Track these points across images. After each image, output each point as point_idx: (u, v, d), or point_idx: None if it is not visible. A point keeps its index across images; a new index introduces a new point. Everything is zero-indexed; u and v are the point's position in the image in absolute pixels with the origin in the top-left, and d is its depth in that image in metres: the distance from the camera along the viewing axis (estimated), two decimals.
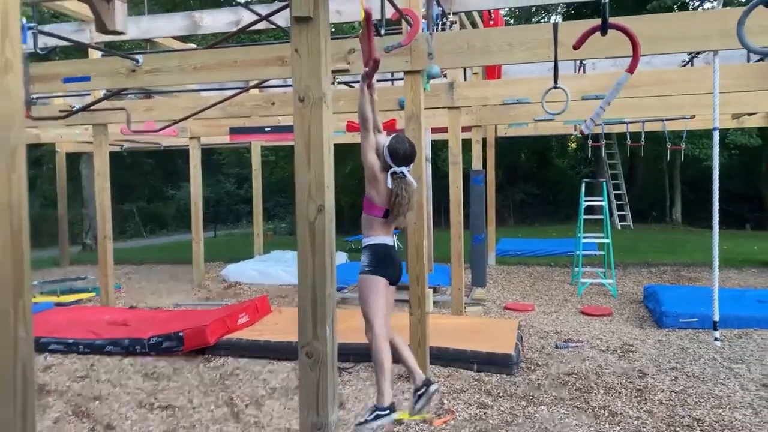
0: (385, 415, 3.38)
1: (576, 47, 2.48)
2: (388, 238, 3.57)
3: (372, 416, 3.38)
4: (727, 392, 4.50)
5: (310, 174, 2.64)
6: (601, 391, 4.56)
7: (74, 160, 17.20)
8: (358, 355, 5.29)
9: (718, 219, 3.79)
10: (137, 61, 5.02)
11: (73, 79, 5.17)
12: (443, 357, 5.07)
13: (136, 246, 18.83)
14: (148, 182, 26.85)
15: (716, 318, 4.05)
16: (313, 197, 2.62)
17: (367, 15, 2.96)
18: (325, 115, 2.61)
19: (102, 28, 2.66)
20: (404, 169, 3.51)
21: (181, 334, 5.52)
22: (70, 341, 5.73)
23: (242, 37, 12.99)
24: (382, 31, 3.75)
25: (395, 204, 3.45)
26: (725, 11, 4.14)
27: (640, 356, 5.44)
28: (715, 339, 4.07)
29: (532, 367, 5.14)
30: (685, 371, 5.00)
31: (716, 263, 3.84)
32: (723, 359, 5.29)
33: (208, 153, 23.41)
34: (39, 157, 22.36)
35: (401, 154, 3.48)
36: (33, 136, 9.88)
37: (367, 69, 3.26)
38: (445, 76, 6.78)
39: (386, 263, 3.50)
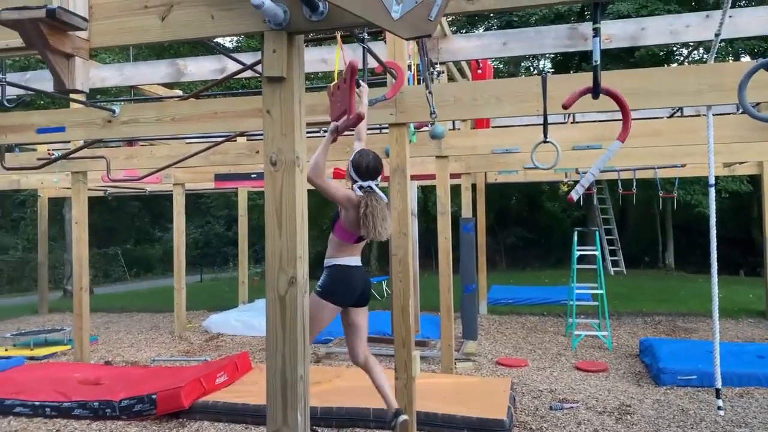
0: None
1: (565, 107, 2.32)
2: (353, 259, 3.62)
3: None
4: None
5: (281, 242, 2.43)
6: None
7: (59, 203, 16.94)
8: (342, 419, 5.01)
9: (717, 291, 3.59)
10: (114, 111, 4.85)
11: (47, 130, 4.98)
12: (432, 423, 4.78)
13: (120, 290, 18.47)
14: (134, 225, 26.58)
15: (719, 385, 3.81)
16: (284, 268, 2.41)
17: (352, 68, 2.79)
18: (298, 179, 2.42)
19: (60, 86, 2.48)
20: (371, 183, 3.50)
21: (154, 396, 5.21)
22: (37, 404, 5.40)
23: (230, 83, 12.97)
24: (362, 83, 3.61)
25: (365, 217, 3.42)
26: (718, 66, 4.03)
27: (638, 419, 5.18)
28: (718, 408, 3.83)
29: None
30: None
31: (717, 331, 3.63)
32: (726, 422, 5.04)
33: (196, 196, 23.27)
34: (23, 199, 22.09)
35: (364, 167, 3.51)
36: (13, 181, 9.68)
37: (337, 123, 3.11)
38: (432, 125, 6.66)
39: (342, 287, 3.56)
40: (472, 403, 5.03)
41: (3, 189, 10.51)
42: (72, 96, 5.74)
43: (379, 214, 3.45)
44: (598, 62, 2.06)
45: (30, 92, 6.22)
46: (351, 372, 6.31)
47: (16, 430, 5.10)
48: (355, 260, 3.66)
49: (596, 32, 2.09)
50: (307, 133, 2.78)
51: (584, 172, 8.34)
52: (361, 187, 3.49)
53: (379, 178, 3.56)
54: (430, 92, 3.93)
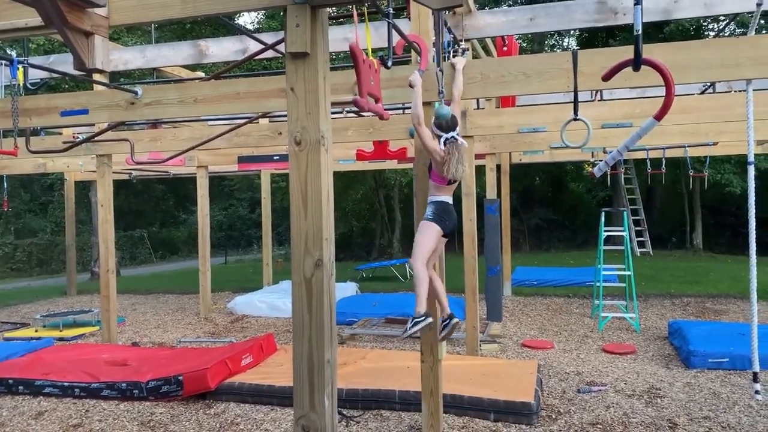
0: (422, 320, 3.82)
1: (605, 79, 2.21)
2: (448, 198, 4.06)
3: (411, 324, 3.86)
4: None
5: (306, 224, 2.37)
6: None
7: (85, 186, 17.14)
8: (367, 401, 4.99)
9: (755, 263, 3.46)
10: (136, 93, 4.82)
11: (70, 112, 4.97)
12: (458, 405, 4.74)
13: (147, 272, 18.72)
14: (159, 208, 26.86)
15: (757, 368, 3.70)
16: (309, 250, 2.35)
17: (351, 51, 2.70)
18: (323, 159, 2.36)
19: (80, 66, 2.44)
20: (453, 134, 3.92)
21: (180, 377, 5.24)
22: (66, 384, 5.48)
23: (252, 63, 12.88)
24: (389, 64, 3.51)
25: (446, 161, 3.86)
26: (757, 38, 3.85)
27: (669, 402, 5.08)
28: (756, 392, 3.73)
29: (554, 416, 4.80)
30: (720, 421, 4.62)
31: (755, 314, 3.51)
32: (760, 406, 4.91)
33: (219, 179, 23.39)
34: (51, 183, 22.42)
35: (445, 124, 3.93)
36: (40, 165, 9.77)
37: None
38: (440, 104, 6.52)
39: (444, 217, 4.00)
40: (499, 386, 4.98)
41: (30, 173, 10.63)
42: (94, 77, 5.74)
43: (458, 158, 3.86)
44: (640, 32, 1.95)
45: (54, 75, 6.22)
46: (375, 354, 6.30)
47: (46, 410, 5.17)
48: (449, 198, 4.07)
49: (638, 0, 1.97)
50: (332, 113, 2.71)
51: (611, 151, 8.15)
52: (446, 140, 3.90)
53: (458, 129, 3.98)
54: (440, 70, 4.01)
